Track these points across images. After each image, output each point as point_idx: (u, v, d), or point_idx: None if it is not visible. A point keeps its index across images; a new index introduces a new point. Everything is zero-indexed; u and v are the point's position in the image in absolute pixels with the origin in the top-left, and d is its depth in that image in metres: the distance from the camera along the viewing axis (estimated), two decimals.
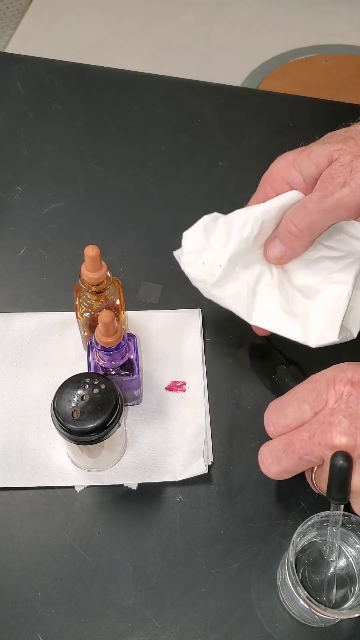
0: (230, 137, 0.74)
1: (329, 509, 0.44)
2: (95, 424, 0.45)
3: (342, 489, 0.43)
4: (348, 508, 0.44)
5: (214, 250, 0.53)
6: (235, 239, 0.52)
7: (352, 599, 0.45)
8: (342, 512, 0.44)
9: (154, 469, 0.53)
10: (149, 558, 0.50)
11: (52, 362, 0.58)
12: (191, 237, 0.54)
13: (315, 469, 0.46)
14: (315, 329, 0.53)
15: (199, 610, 0.48)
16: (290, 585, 0.43)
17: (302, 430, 0.44)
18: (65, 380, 0.47)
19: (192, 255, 0.53)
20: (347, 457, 0.41)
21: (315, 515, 0.44)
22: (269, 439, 0.55)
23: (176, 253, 0.55)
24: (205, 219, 0.54)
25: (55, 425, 0.46)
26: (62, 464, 0.53)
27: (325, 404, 0.43)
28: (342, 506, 0.43)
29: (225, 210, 0.62)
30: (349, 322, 0.54)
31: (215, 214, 0.54)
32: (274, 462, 0.46)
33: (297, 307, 0.54)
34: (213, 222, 0.54)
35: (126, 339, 0.50)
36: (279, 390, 0.58)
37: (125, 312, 0.58)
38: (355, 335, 0.54)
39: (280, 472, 0.46)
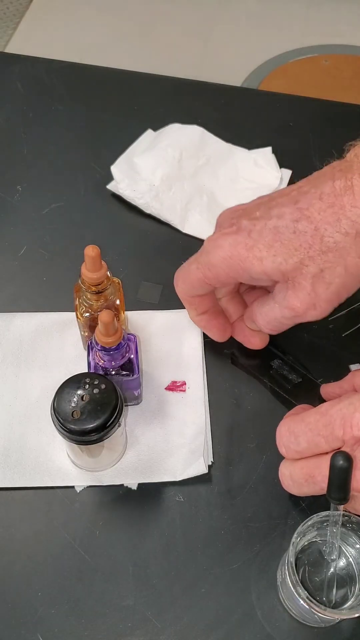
0: (230, 137, 0.74)
1: (329, 509, 0.44)
2: (95, 424, 0.45)
3: (342, 489, 0.43)
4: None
5: (145, 173, 0.67)
6: (162, 162, 0.68)
7: (352, 599, 0.45)
8: (342, 512, 0.44)
9: (154, 469, 0.53)
10: (149, 558, 0.50)
11: (52, 362, 0.58)
12: (119, 168, 0.68)
13: None
14: None
15: (199, 610, 0.48)
16: (290, 585, 0.43)
17: (323, 463, 0.44)
18: (65, 380, 0.47)
19: (126, 181, 0.67)
20: (347, 457, 0.41)
21: (315, 515, 0.44)
22: (270, 440, 0.55)
23: (110, 186, 0.68)
24: (127, 152, 0.70)
25: (55, 425, 0.46)
26: (62, 464, 0.53)
27: (342, 444, 0.43)
28: (342, 506, 0.43)
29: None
30: None
31: (135, 145, 0.71)
32: (296, 486, 0.47)
33: None
34: (136, 152, 0.70)
35: (126, 339, 0.50)
36: (278, 385, 0.58)
37: (125, 312, 0.58)
38: None
39: (301, 494, 0.48)
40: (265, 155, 0.71)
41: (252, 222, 0.47)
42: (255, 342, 0.57)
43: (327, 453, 0.44)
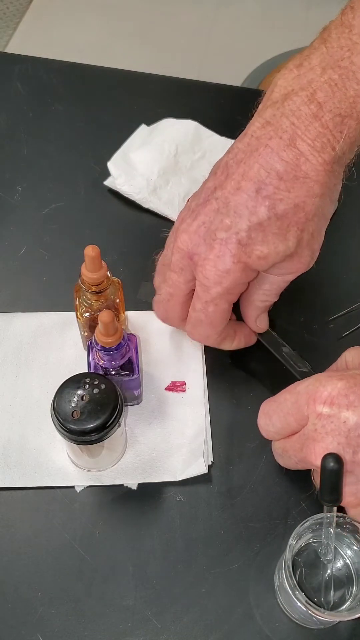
0: (230, 137, 0.74)
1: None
2: (95, 424, 0.45)
3: (334, 491, 0.43)
4: (342, 509, 0.44)
5: (142, 168, 0.68)
6: (158, 157, 0.68)
7: (350, 600, 0.45)
8: (335, 513, 0.44)
9: (154, 469, 0.53)
10: (149, 558, 0.50)
11: (52, 362, 0.58)
12: (115, 164, 0.68)
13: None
14: None
15: (199, 610, 0.48)
16: (288, 588, 0.43)
17: (294, 440, 0.45)
18: (65, 380, 0.47)
19: (123, 177, 0.67)
20: (338, 459, 0.41)
21: (310, 517, 0.44)
22: (269, 439, 0.55)
23: (107, 182, 0.69)
24: (123, 148, 0.70)
25: (55, 425, 0.46)
26: (62, 464, 0.53)
27: (307, 420, 0.44)
28: (335, 508, 0.43)
29: None
30: None
31: (130, 141, 0.71)
32: (278, 458, 0.50)
33: None
34: (131, 148, 0.70)
35: (126, 339, 0.50)
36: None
37: (125, 312, 0.58)
38: None
39: (285, 465, 0.49)
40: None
41: (230, 231, 0.46)
42: (254, 339, 0.57)
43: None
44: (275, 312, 0.62)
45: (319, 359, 0.60)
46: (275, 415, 0.46)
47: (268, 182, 0.44)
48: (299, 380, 0.50)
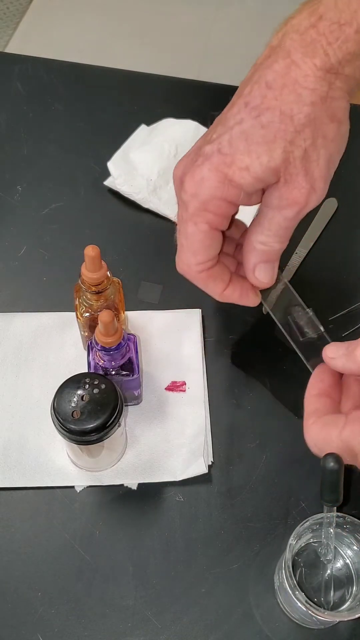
0: None
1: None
2: (95, 424, 0.45)
3: (334, 491, 0.43)
4: (341, 509, 0.44)
5: (142, 168, 0.68)
6: (158, 157, 0.69)
7: (350, 600, 0.45)
8: (335, 513, 0.44)
9: (154, 469, 0.53)
10: (149, 558, 0.50)
11: (52, 362, 0.58)
12: (115, 164, 0.68)
13: None
14: None
15: (199, 610, 0.48)
16: (288, 588, 0.43)
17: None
18: (65, 380, 0.47)
19: (123, 177, 0.67)
20: (338, 459, 0.41)
21: (310, 517, 0.44)
22: (270, 439, 0.56)
23: (107, 182, 0.69)
24: (123, 148, 0.70)
25: (55, 425, 0.46)
26: (62, 464, 0.53)
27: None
28: (335, 508, 0.43)
29: None
30: None
31: (130, 141, 0.71)
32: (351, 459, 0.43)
33: None
34: (131, 148, 0.70)
35: (126, 339, 0.50)
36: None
37: (125, 312, 0.58)
38: None
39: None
40: None
41: (214, 143, 0.43)
42: (252, 298, 0.50)
43: None
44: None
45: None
46: (329, 449, 0.42)
47: (256, 93, 0.42)
48: (299, 340, 0.47)
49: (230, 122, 0.43)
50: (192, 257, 0.46)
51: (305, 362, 0.52)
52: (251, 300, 0.50)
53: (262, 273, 0.48)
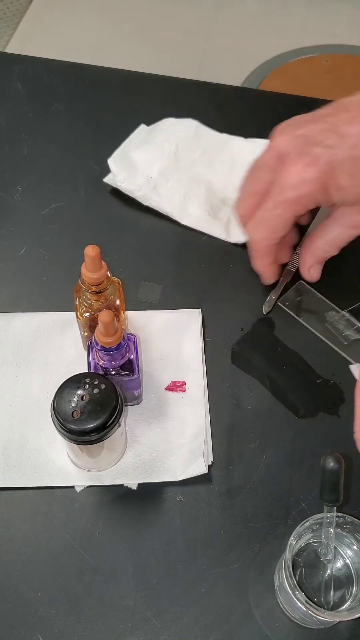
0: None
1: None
2: (95, 424, 0.45)
3: (334, 491, 0.43)
4: (341, 509, 0.44)
5: (142, 166, 0.68)
6: (158, 155, 0.69)
7: (350, 600, 0.45)
8: (335, 513, 0.44)
9: (154, 469, 0.53)
10: (149, 558, 0.50)
11: (52, 362, 0.58)
12: (115, 161, 0.68)
13: None
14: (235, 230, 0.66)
15: (199, 610, 0.48)
16: (288, 589, 0.43)
17: None
18: (65, 380, 0.47)
19: (123, 174, 0.67)
20: (338, 459, 0.41)
21: (310, 517, 0.44)
22: (270, 439, 0.56)
23: (107, 179, 0.68)
24: (123, 146, 0.70)
25: (55, 425, 0.46)
26: (62, 464, 0.53)
27: None
28: (335, 508, 0.43)
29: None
30: None
31: (130, 140, 0.71)
32: None
33: (220, 213, 0.67)
34: (131, 146, 0.70)
35: (126, 339, 0.50)
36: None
37: (125, 312, 0.58)
38: None
39: None
40: (262, 145, 0.72)
41: (327, 150, 0.49)
42: (275, 277, 0.59)
43: None
44: (279, 313, 0.62)
45: (319, 359, 0.60)
46: None
47: None
48: (344, 345, 0.48)
49: (347, 140, 0.49)
50: (270, 233, 0.54)
51: (353, 363, 0.53)
52: (273, 279, 0.59)
53: (315, 271, 0.58)
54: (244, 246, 0.66)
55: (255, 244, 0.55)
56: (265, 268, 0.57)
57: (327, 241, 0.55)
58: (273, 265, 0.57)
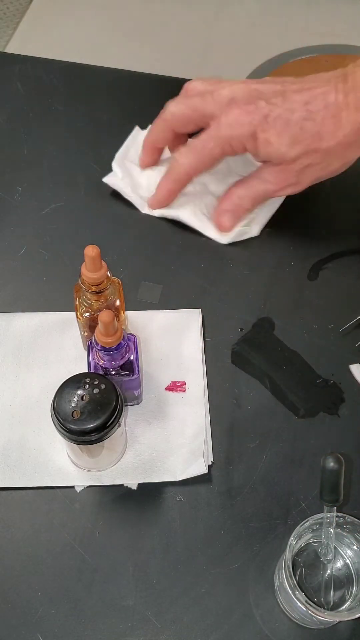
0: None
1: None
2: (95, 424, 0.45)
3: (334, 491, 0.43)
4: (341, 509, 0.44)
5: (143, 179, 0.68)
6: (158, 171, 0.67)
7: (350, 600, 0.45)
8: (335, 513, 0.44)
9: (154, 469, 0.53)
10: (149, 558, 0.50)
11: (52, 362, 0.58)
12: (119, 165, 0.69)
13: None
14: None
15: (199, 610, 0.48)
16: (288, 589, 0.43)
17: None
18: (65, 380, 0.47)
19: (126, 179, 0.68)
20: (338, 459, 0.41)
21: (310, 517, 0.44)
22: (270, 439, 0.56)
23: (107, 180, 0.68)
24: (124, 150, 0.70)
25: (55, 425, 0.46)
26: (62, 464, 0.53)
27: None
28: (335, 508, 0.43)
29: None
30: (256, 221, 0.67)
31: (127, 145, 0.71)
32: None
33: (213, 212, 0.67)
34: (129, 153, 0.70)
35: (126, 339, 0.50)
36: (279, 390, 0.58)
37: (125, 312, 0.58)
38: (257, 233, 0.66)
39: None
40: None
41: (269, 106, 0.55)
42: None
43: None
44: (279, 313, 0.62)
45: (319, 359, 0.60)
46: None
47: (319, 102, 0.54)
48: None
49: (288, 103, 0.55)
50: (197, 163, 0.60)
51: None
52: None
53: (227, 221, 0.63)
54: (244, 246, 0.66)
55: (178, 166, 0.61)
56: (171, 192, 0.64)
57: (245, 191, 0.61)
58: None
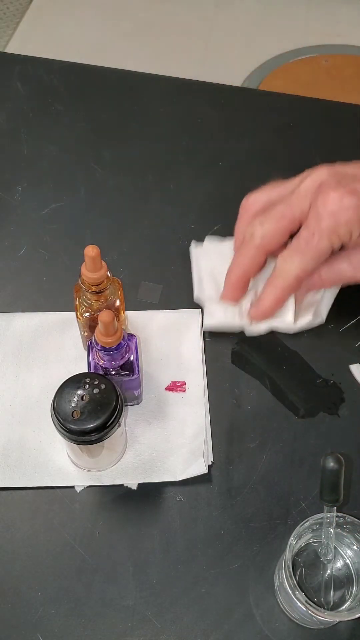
0: (230, 137, 0.74)
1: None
2: (95, 424, 0.45)
3: (334, 491, 0.43)
4: (341, 509, 0.44)
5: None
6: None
7: (350, 600, 0.45)
8: (335, 513, 0.44)
9: (154, 469, 0.53)
10: (149, 558, 0.50)
11: (52, 362, 0.58)
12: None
13: None
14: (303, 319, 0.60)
15: (199, 610, 0.48)
16: (288, 589, 0.43)
17: None
18: (65, 380, 0.47)
19: (226, 314, 0.59)
20: (338, 459, 0.41)
21: (310, 517, 0.44)
22: (270, 439, 0.56)
23: (210, 325, 0.60)
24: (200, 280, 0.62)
25: (55, 425, 0.46)
26: (62, 464, 0.53)
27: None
28: (335, 508, 0.43)
29: (225, 209, 0.62)
30: (321, 309, 0.60)
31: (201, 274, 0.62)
32: None
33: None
34: (204, 281, 0.62)
35: (126, 339, 0.50)
36: (279, 390, 0.58)
37: (125, 312, 0.58)
38: (324, 320, 0.60)
39: None
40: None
41: None
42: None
43: None
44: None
45: (319, 359, 0.60)
46: None
47: None
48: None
49: None
50: (307, 264, 0.52)
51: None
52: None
53: (301, 295, 0.57)
54: None
55: (286, 272, 0.53)
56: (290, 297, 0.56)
57: (330, 270, 0.54)
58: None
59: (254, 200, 0.56)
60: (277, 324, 0.59)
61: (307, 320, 0.59)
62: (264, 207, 0.55)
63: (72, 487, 0.53)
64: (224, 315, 0.59)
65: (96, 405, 0.46)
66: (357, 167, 0.52)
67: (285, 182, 0.55)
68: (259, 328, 0.59)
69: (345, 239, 0.50)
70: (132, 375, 0.52)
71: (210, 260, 0.62)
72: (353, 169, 0.51)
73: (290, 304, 0.58)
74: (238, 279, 0.56)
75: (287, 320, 0.58)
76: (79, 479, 0.53)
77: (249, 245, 0.54)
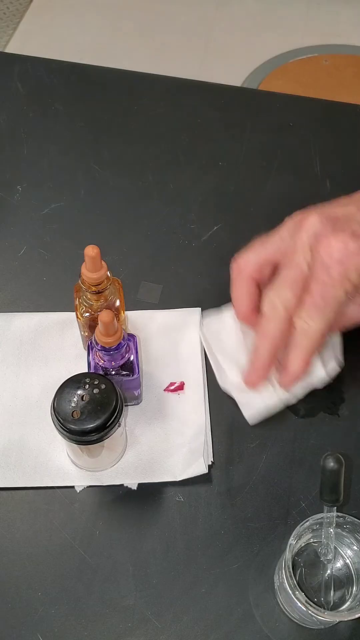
0: (230, 137, 0.74)
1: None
2: (95, 424, 0.45)
3: (334, 491, 0.43)
4: (341, 509, 0.44)
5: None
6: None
7: (350, 600, 0.45)
8: (335, 513, 0.44)
9: (154, 469, 0.53)
10: (149, 558, 0.50)
11: (52, 362, 0.58)
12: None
13: None
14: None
15: (199, 610, 0.48)
16: (288, 589, 0.43)
17: None
18: (65, 380, 0.47)
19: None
20: (338, 459, 0.41)
21: (310, 517, 0.44)
22: (270, 439, 0.56)
23: (251, 418, 0.56)
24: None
25: (55, 425, 0.46)
26: (62, 464, 0.53)
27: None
28: (335, 508, 0.43)
29: (225, 209, 0.62)
30: (337, 352, 0.57)
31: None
32: None
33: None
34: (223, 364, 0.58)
35: (126, 339, 0.50)
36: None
37: (125, 312, 0.58)
38: (343, 363, 0.57)
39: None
40: None
41: None
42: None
43: None
44: None
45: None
46: None
47: None
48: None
49: None
50: (331, 317, 0.49)
51: None
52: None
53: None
54: (244, 246, 0.66)
55: (310, 331, 0.50)
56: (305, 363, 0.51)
57: (339, 314, 0.51)
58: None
59: (245, 263, 0.54)
60: (311, 381, 0.56)
61: (332, 367, 0.56)
62: (259, 269, 0.53)
63: (72, 487, 0.53)
64: (262, 401, 0.55)
65: (96, 405, 0.46)
66: (343, 206, 0.50)
67: (270, 236, 0.53)
68: (296, 393, 0.56)
69: (357, 282, 0.48)
70: (132, 375, 0.52)
71: (220, 341, 0.58)
72: (342, 210, 0.50)
73: (317, 359, 0.56)
74: (272, 357, 0.52)
75: (321, 375, 0.56)
76: (79, 479, 0.53)
77: (275, 320, 0.51)
